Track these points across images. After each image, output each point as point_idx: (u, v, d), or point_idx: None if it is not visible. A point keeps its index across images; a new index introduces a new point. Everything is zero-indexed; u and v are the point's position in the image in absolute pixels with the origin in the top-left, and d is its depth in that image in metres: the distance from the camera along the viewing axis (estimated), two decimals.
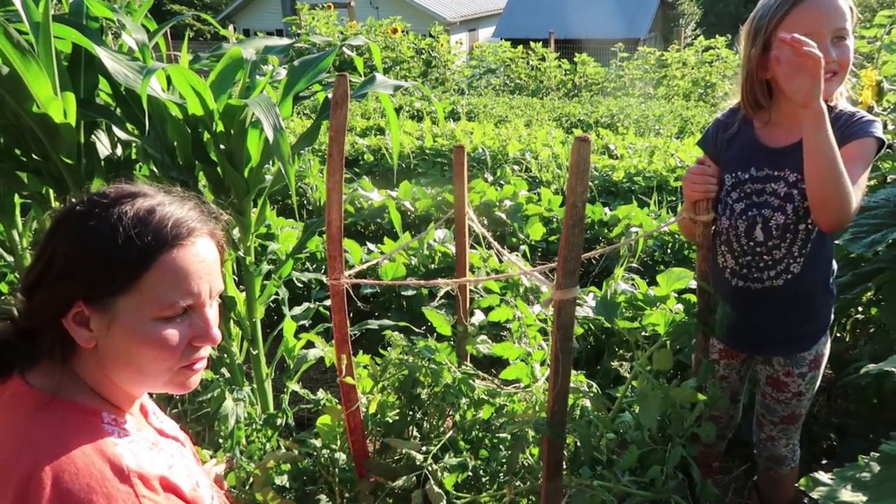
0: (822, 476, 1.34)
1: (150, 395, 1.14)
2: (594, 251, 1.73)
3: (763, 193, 1.68)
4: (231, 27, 17.20)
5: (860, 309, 2.74)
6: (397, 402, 1.78)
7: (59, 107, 1.92)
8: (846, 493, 1.26)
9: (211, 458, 1.76)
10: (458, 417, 1.77)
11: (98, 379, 0.95)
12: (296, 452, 1.82)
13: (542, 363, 1.89)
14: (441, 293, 1.98)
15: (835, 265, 1.78)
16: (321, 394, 1.93)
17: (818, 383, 1.84)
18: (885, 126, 2.48)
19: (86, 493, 0.83)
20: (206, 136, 2.07)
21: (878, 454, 1.15)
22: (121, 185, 0.98)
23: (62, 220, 0.93)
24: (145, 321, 0.91)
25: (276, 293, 2.50)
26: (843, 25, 1.49)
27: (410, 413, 1.75)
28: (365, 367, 1.82)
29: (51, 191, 2.27)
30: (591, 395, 1.73)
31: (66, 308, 0.90)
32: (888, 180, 2.49)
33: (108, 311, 0.90)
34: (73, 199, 0.95)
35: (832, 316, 1.82)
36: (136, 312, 0.91)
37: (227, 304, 2.19)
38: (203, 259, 0.96)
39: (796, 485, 1.38)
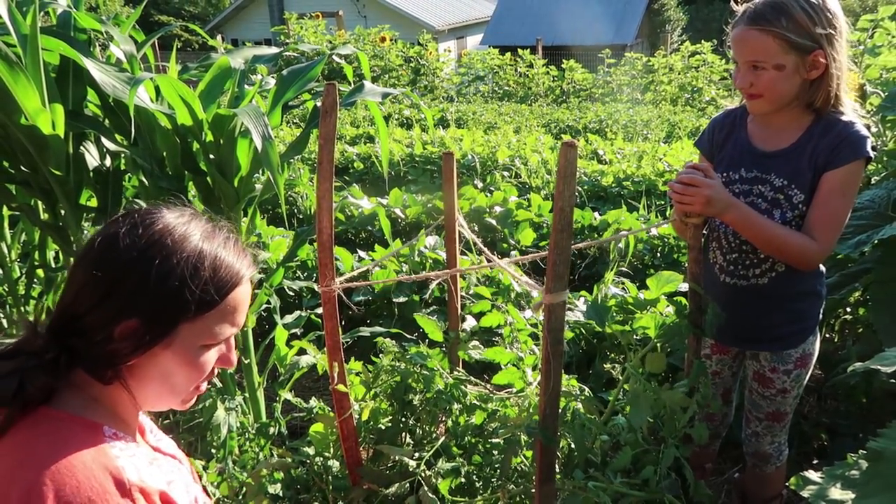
0: (812, 475, 1.36)
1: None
2: (583, 244, 1.74)
3: (751, 194, 1.72)
4: (219, 37, 17.18)
5: (848, 309, 2.77)
6: (390, 409, 1.78)
7: (48, 118, 1.92)
8: (835, 492, 1.27)
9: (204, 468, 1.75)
10: (450, 423, 1.77)
11: (106, 391, 0.96)
12: (289, 461, 1.82)
13: (534, 367, 1.89)
14: (429, 296, 1.99)
15: (822, 267, 1.80)
16: (313, 402, 1.93)
17: (804, 382, 1.86)
18: (868, 129, 2.51)
19: (77, 487, 0.84)
20: (196, 145, 2.07)
21: (866, 452, 1.16)
22: (178, 215, 0.99)
23: (125, 248, 0.93)
24: (195, 347, 0.97)
25: (268, 302, 2.50)
26: (758, 58, 1.58)
27: (403, 420, 1.75)
28: (357, 374, 1.82)
29: (39, 203, 2.27)
30: (584, 398, 1.74)
31: (114, 325, 0.92)
32: (872, 182, 2.52)
33: (167, 336, 0.94)
34: (133, 227, 0.95)
35: (820, 316, 1.84)
36: (191, 339, 0.96)
37: None
38: (248, 295, 1.03)
39: (787, 484, 1.39)
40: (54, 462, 0.85)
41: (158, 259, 0.93)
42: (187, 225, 0.98)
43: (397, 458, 1.58)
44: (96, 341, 0.92)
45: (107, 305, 0.92)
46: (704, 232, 1.79)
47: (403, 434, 1.76)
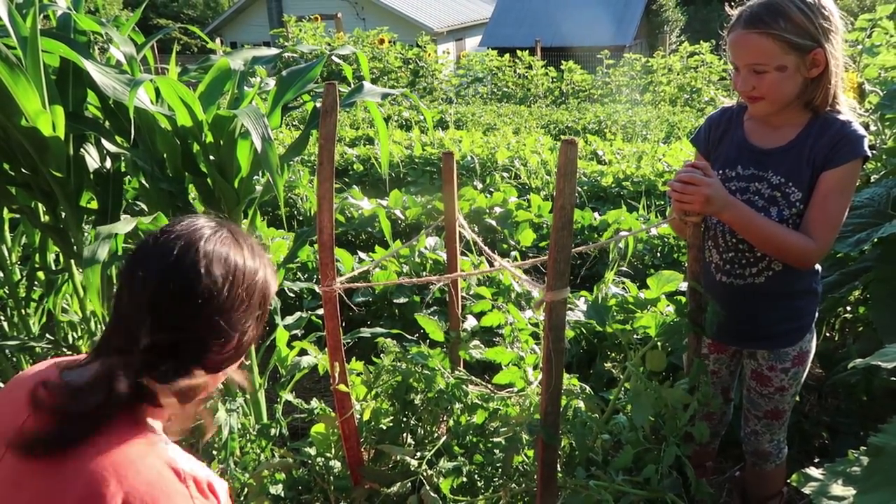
0: (814, 471, 1.36)
1: None
2: (582, 247, 1.74)
3: (747, 192, 1.72)
4: (218, 40, 17.20)
5: (848, 308, 2.77)
6: (391, 409, 1.78)
7: (48, 120, 1.92)
8: (837, 488, 1.27)
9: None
10: (452, 423, 1.77)
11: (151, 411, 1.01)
12: (290, 461, 1.82)
13: (535, 367, 1.89)
14: (430, 297, 1.98)
15: (818, 266, 1.81)
16: (315, 403, 1.93)
17: (802, 380, 1.86)
18: (867, 127, 2.51)
19: (147, 490, 0.90)
20: (196, 147, 2.07)
21: (867, 448, 1.16)
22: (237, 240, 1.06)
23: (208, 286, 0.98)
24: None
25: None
26: (759, 61, 1.57)
27: (404, 420, 1.75)
28: (358, 374, 1.82)
29: (40, 205, 2.27)
30: (585, 396, 1.74)
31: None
32: (872, 180, 2.53)
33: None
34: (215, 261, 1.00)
35: (816, 315, 1.84)
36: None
37: None
38: None
39: (788, 481, 1.40)
40: (116, 453, 0.91)
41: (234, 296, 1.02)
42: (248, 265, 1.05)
43: (399, 457, 1.58)
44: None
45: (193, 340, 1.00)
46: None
47: (405, 434, 1.76)
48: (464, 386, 1.75)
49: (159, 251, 0.98)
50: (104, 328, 1.14)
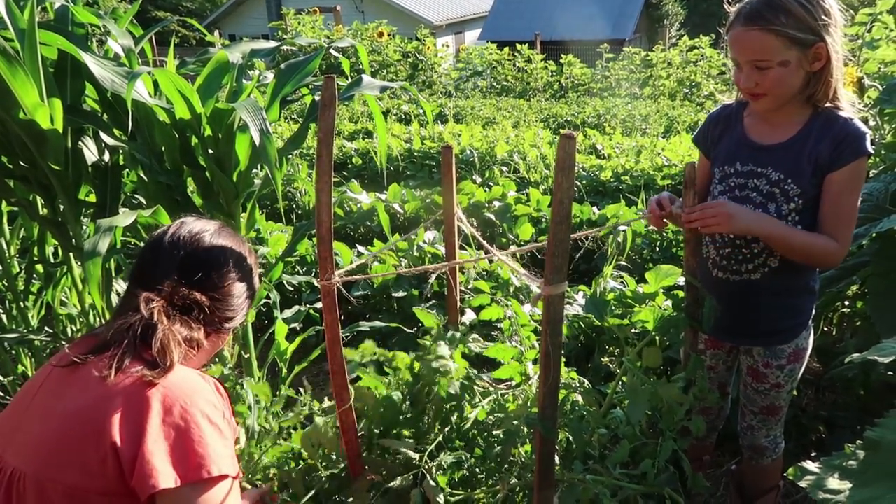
0: (810, 465, 1.36)
1: None
2: (579, 233, 1.75)
3: (745, 188, 1.72)
4: (217, 33, 17.13)
5: (846, 303, 2.77)
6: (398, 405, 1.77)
7: (46, 113, 1.92)
8: (833, 482, 1.28)
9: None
10: (454, 418, 1.77)
11: None
12: (289, 453, 1.83)
13: (535, 362, 1.90)
14: (429, 291, 1.99)
15: None
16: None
17: (798, 377, 1.86)
18: (866, 122, 2.51)
19: (181, 384, 1.20)
20: (194, 140, 2.07)
21: (863, 442, 1.16)
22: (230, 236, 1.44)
23: (238, 261, 1.41)
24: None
25: (268, 296, 2.50)
26: (761, 58, 1.57)
27: (407, 417, 1.75)
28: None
29: (38, 198, 2.27)
30: (583, 390, 1.75)
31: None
32: (871, 175, 2.53)
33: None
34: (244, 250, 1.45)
35: (813, 312, 1.84)
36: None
37: None
38: None
39: (784, 475, 1.40)
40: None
41: (244, 269, 1.43)
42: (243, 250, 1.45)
43: (401, 450, 1.58)
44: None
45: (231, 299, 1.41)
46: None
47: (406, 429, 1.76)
48: (472, 384, 1.75)
49: (186, 230, 1.38)
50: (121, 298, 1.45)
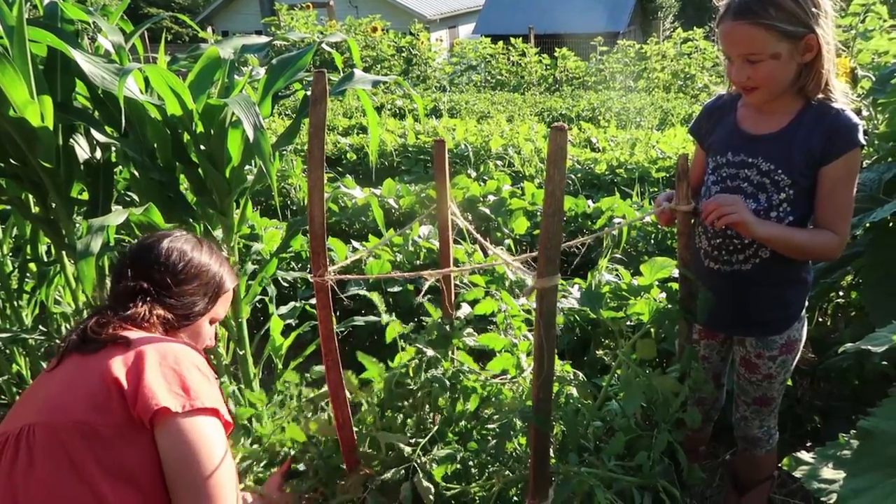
0: (805, 455, 1.37)
1: None
2: (577, 240, 1.74)
3: (737, 178, 1.72)
4: (209, 29, 17.07)
5: (840, 293, 2.78)
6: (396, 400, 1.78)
7: (36, 110, 1.91)
8: (827, 471, 1.28)
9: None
10: (446, 410, 1.77)
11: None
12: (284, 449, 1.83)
13: (528, 354, 1.90)
14: (425, 287, 1.98)
15: None
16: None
17: (791, 367, 1.87)
18: (858, 112, 2.52)
19: (172, 349, 1.34)
20: (186, 136, 2.06)
21: (857, 432, 1.17)
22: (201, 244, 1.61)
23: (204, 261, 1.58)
24: (207, 321, 1.60)
25: (263, 292, 2.49)
26: (752, 51, 1.56)
27: (401, 414, 1.75)
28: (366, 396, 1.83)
29: (30, 196, 2.26)
30: (577, 383, 1.75)
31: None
32: (864, 165, 2.53)
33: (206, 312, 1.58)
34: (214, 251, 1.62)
35: (806, 303, 1.84)
36: (210, 315, 1.60)
37: None
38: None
39: (779, 465, 1.41)
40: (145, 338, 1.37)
41: (214, 268, 1.60)
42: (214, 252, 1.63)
43: (394, 444, 1.58)
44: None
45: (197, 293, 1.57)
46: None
47: (401, 423, 1.76)
48: (460, 374, 1.75)
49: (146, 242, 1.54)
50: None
